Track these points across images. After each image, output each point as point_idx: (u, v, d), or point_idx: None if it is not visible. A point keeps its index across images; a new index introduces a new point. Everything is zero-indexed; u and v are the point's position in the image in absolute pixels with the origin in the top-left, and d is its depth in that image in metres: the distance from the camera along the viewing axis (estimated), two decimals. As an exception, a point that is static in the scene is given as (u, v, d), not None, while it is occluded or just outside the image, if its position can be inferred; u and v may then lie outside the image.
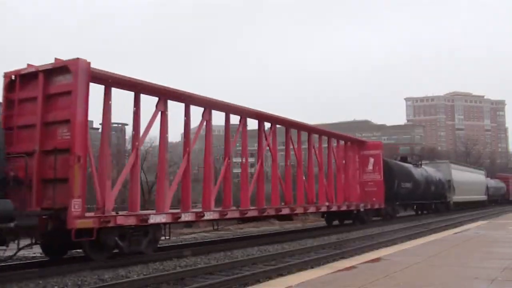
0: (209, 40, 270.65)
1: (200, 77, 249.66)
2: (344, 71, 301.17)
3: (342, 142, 25.00)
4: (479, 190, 49.45)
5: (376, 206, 25.62)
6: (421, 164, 36.39)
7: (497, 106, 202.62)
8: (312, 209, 20.78)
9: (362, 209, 24.00)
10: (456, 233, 15.93)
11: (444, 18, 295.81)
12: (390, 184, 27.30)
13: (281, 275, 9.72)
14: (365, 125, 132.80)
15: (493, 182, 58.46)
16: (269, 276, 9.86)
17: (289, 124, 19.86)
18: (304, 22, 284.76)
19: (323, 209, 21.70)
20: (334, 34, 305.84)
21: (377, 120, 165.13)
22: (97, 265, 10.79)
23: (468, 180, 44.83)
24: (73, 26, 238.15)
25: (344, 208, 22.90)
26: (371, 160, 25.87)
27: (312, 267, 10.67)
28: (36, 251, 13.92)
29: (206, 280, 9.56)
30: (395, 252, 10.44)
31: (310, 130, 21.85)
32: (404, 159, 35.71)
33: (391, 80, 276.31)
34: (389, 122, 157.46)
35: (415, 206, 36.18)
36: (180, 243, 16.39)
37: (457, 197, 40.96)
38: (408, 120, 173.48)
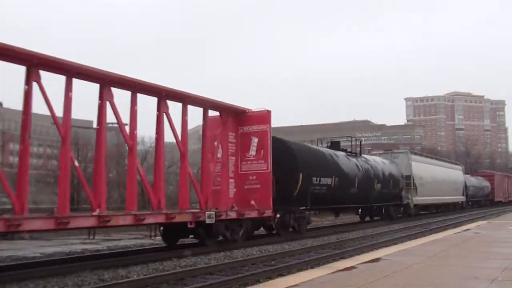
0: (209, 40, 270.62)
1: (199, 76, 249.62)
2: (344, 72, 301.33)
3: (200, 111, 15.21)
4: (453, 190, 40.09)
5: (253, 215, 15.72)
6: (360, 153, 25.37)
7: (497, 106, 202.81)
8: (37, 224, 10.08)
9: (210, 220, 13.75)
10: (456, 233, 15.93)
11: (444, 18, 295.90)
12: (289, 179, 17.73)
13: (281, 275, 9.72)
14: (365, 125, 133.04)
15: (473, 180, 49.50)
16: (269, 276, 9.86)
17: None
18: (304, 22, 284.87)
19: (85, 223, 11.31)
20: (335, 34, 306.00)
21: (377, 120, 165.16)
22: (98, 265, 10.79)
23: (437, 176, 35.40)
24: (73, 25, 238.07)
25: (158, 220, 12.77)
26: (255, 140, 16.38)
27: (312, 267, 10.67)
28: (37, 251, 13.96)
29: (206, 280, 9.56)
30: (395, 252, 10.44)
31: (105, 80, 11.90)
32: (335, 144, 24.59)
33: (391, 80, 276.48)
34: (389, 122, 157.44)
35: (359, 211, 27.47)
36: (180, 243, 16.38)
37: (420, 198, 31.28)
38: (408, 120, 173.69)
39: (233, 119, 16.54)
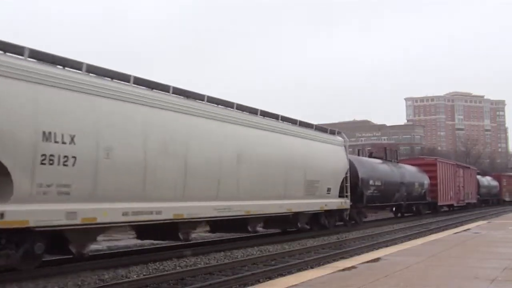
0: (208, 42, 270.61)
1: (199, 77, 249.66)
2: (344, 71, 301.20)
3: None
4: (297, 186, 16.72)
5: None
6: None
7: (497, 106, 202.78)
8: None
9: None
10: (456, 233, 15.92)
11: (444, 18, 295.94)
12: None
13: (281, 275, 9.73)
14: (365, 125, 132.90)
15: (385, 170, 25.58)
16: (269, 276, 9.87)
17: None
18: (305, 22, 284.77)
19: None
20: (334, 34, 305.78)
21: (377, 120, 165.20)
22: (98, 265, 10.78)
23: (205, 144, 12.66)
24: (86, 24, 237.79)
25: None
26: None
27: (312, 267, 10.67)
28: (36, 251, 13.93)
29: (206, 280, 9.57)
30: (395, 252, 10.44)
31: None
32: None
33: (391, 80, 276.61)
34: (389, 122, 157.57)
35: None
36: (180, 243, 16.38)
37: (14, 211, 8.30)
38: (408, 120, 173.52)
39: None
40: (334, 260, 11.57)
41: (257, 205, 14.62)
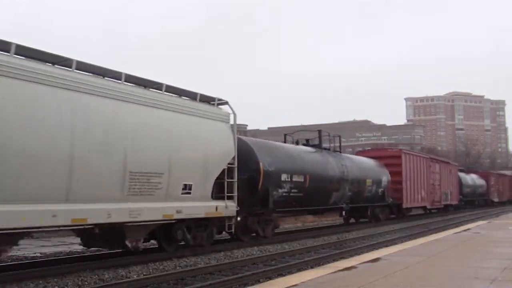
0: (208, 41, 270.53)
1: (200, 75, 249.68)
2: (344, 72, 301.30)
3: None
4: (54, 182, 8.98)
5: None
6: None
7: (497, 106, 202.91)
8: None
9: None
10: (456, 233, 15.92)
11: (444, 18, 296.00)
12: None
13: (281, 275, 9.73)
14: (365, 125, 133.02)
15: (314, 161, 18.30)
16: (269, 276, 9.87)
17: None
18: (304, 21, 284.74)
19: None
20: (334, 34, 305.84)
21: (377, 120, 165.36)
22: (98, 265, 10.78)
23: None
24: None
25: None
26: None
27: (312, 267, 10.67)
28: (36, 250, 13.94)
29: (206, 280, 9.57)
30: (395, 252, 10.44)
31: None
32: None
33: (391, 80, 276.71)
34: (389, 122, 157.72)
35: None
36: (180, 243, 16.36)
37: None
38: (408, 120, 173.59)
39: None
40: (334, 260, 11.57)
41: None
